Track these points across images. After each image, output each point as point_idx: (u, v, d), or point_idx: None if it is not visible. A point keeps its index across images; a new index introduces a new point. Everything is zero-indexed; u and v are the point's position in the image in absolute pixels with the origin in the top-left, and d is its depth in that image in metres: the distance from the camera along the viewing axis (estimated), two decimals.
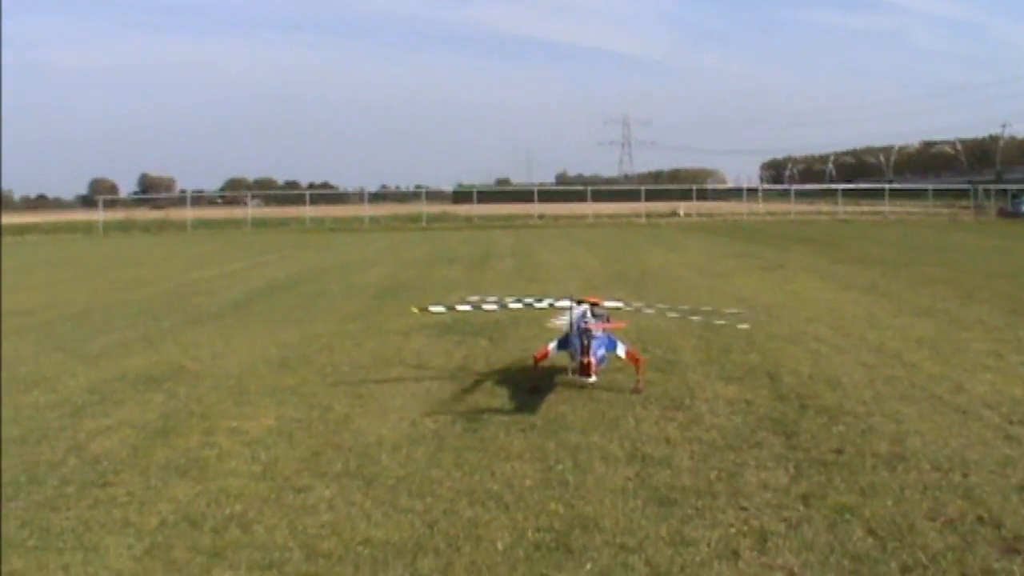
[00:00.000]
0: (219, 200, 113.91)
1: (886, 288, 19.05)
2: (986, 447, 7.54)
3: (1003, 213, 67.47)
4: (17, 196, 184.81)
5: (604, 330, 9.99)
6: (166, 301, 19.34)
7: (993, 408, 8.75)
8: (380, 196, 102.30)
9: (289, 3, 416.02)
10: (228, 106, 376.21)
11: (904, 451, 7.45)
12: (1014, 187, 75.57)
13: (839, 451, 7.51)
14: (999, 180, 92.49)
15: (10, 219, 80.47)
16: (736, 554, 5.51)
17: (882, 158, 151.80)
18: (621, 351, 9.96)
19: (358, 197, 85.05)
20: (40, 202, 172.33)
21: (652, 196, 78.72)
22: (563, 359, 10.09)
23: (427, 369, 11.17)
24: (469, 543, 5.75)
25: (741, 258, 28.91)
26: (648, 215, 69.22)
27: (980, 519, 5.95)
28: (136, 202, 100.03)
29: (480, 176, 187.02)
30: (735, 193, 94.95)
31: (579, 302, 10.40)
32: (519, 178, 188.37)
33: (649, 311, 11.86)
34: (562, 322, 10.83)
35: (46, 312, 17.64)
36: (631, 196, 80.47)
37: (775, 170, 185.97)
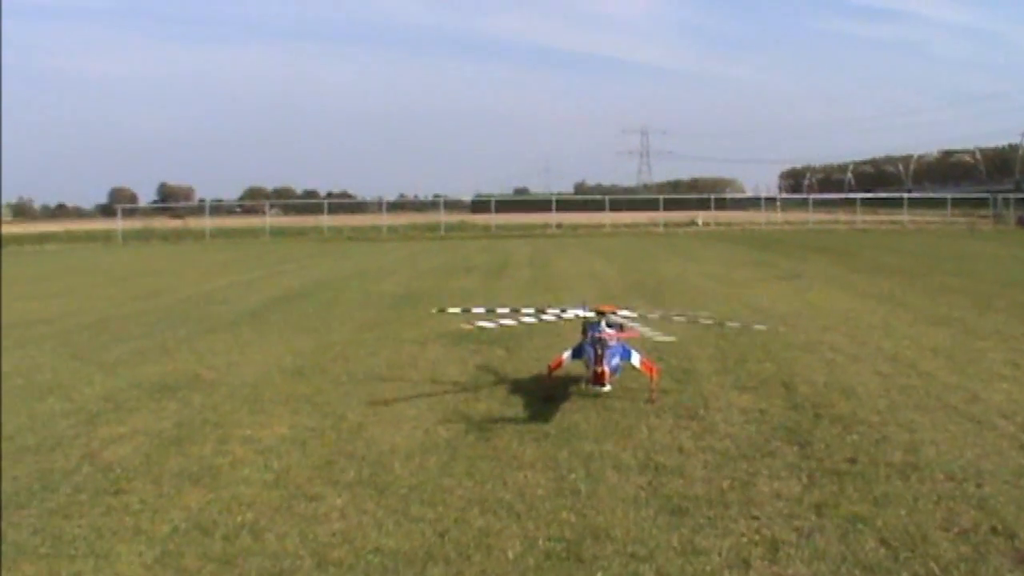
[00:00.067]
0: (238, 209, 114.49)
1: (903, 297, 18.95)
2: (1001, 457, 7.49)
3: (1022, 222, 67.02)
4: (38, 205, 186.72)
5: (619, 339, 9.97)
6: (183, 310, 19.41)
7: (1008, 418, 8.69)
8: (398, 205, 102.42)
9: (313, 14, 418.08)
10: (249, 116, 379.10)
11: (918, 461, 7.41)
12: None
13: (853, 460, 7.47)
14: (1018, 189, 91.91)
15: (30, 228, 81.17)
16: (747, 564, 5.49)
17: (901, 167, 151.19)
18: (636, 360, 9.94)
19: (376, 206, 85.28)
20: (60, 211, 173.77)
21: (670, 205, 78.87)
22: (578, 368, 10.09)
23: (442, 378, 11.17)
24: (480, 552, 5.75)
25: (758, 267, 28.84)
26: (666, 224, 69.21)
27: (994, 530, 5.91)
28: (155, 211, 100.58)
29: (498, 186, 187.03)
30: (753, 202, 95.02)
31: (595, 311, 10.37)
32: (537, 188, 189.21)
33: (654, 316, 11.87)
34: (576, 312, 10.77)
35: (64, 321, 17.73)
36: (649, 205, 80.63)
37: (794, 179, 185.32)
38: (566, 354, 10.12)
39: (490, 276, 27.50)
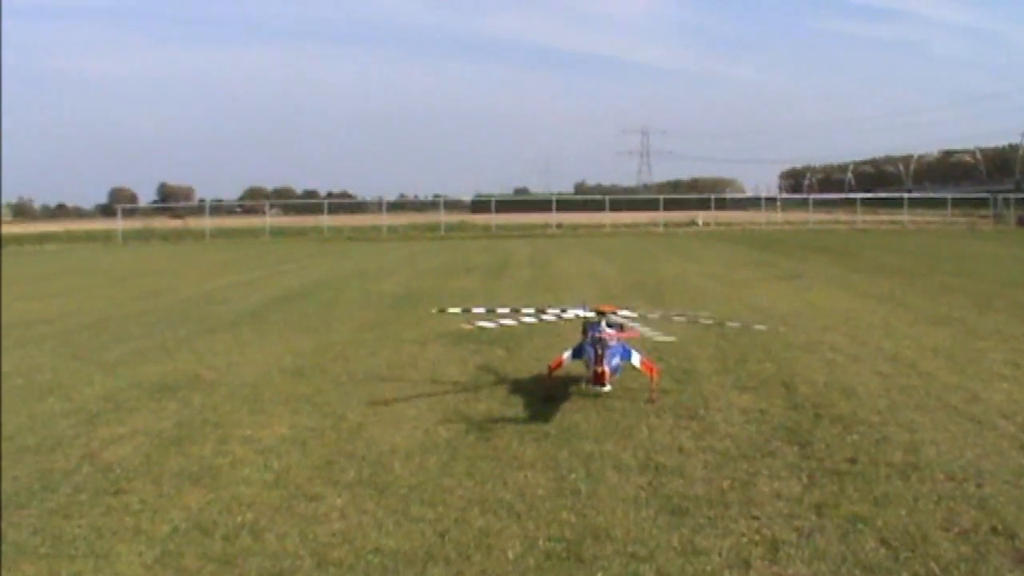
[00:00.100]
0: (238, 209, 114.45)
1: (903, 297, 18.94)
2: (1001, 457, 7.49)
3: (1022, 222, 67.02)
4: (38, 205, 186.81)
5: (619, 339, 9.96)
6: (183, 310, 19.41)
7: (1009, 418, 8.69)
8: (399, 205, 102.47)
9: (313, 14, 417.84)
10: (249, 116, 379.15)
11: (918, 461, 7.40)
12: None
13: (853, 460, 7.47)
14: (1018, 189, 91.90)
15: (30, 228, 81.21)
16: (747, 563, 5.49)
17: (901, 167, 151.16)
18: (636, 360, 9.93)
19: (376, 206, 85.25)
20: (60, 211, 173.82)
21: (670, 205, 78.89)
22: (578, 368, 10.09)
23: (442, 378, 11.17)
24: (480, 552, 5.75)
25: (758, 267, 28.84)
26: (666, 224, 69.21)
27: (994, 529, 5.91)
28: (155, 211, 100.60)
29: (499, 186, 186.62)
30: (753, 202, 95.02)
31: (595, 311, 10.36)
32: (538, 188, 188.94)
33: (654, 317, 11.87)
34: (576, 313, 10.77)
35: (64, 321, 17.73)
36: (649, 205, 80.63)
37: (794, 179, 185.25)
38: (566, 354, 10.12)
39: (490, 276, 27.49)
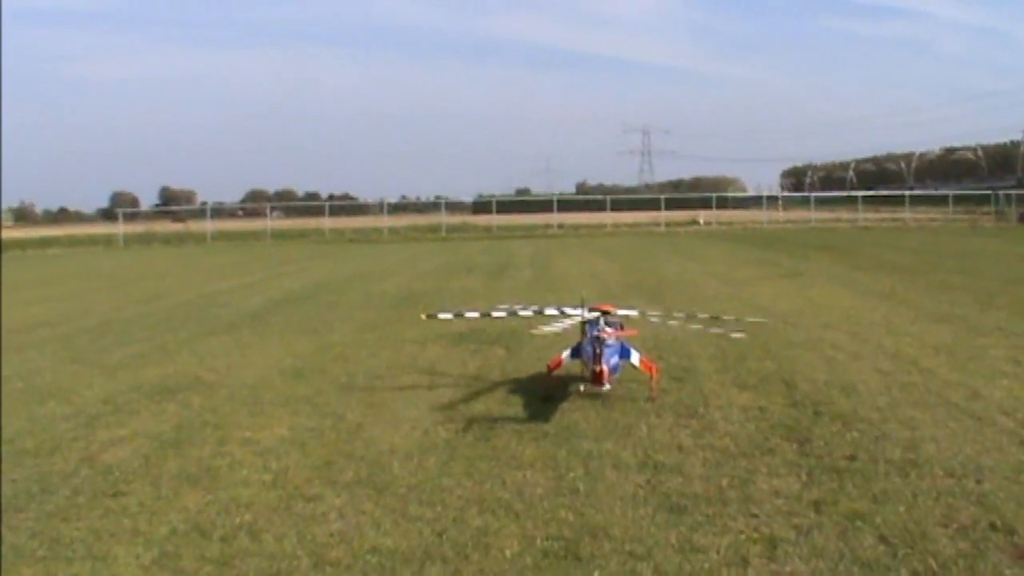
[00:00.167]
0: (239, 212, 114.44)
1: (904, 295, 18.93)
2: (1001, 453, 7.47)
3: None
4: (39, 209, 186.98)
5: (618, 338, 9.93)
6: (184, 312, 19.42)
7: (1009, 414, 8.67)
8: (400, 207, 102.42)
9: (314, 16, 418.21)
10: (250, 119, 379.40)
11: (918, 457, 7.39)
12: None
13: (852, 457, 7.46)
14: (1020, 186, 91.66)
15: (32, 232, 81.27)
16: (745, 561, 5.48)
17: (903, 165, 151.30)
18: (635, 359, 9.91)
19: (378, 208, 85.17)
20: (61, 215, 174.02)
21: (672, 205, 78.87)
22: (578, 367, 10.09)
23: (441, 378, 11.17)
24: (477, 551, 5.74)
25: (760, 266, 28.81)
26: (667, 224, 69.18)
27: (993, 526, 5.90)
28: (156, 214, 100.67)
29: (500, 186, 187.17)
30: (755, 201, 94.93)
31: (592, 310, 10.34)
32: (539, 188, 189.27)
33: (654, 318, 11.85)
34: (560, 327, 10.73)
35: (65, 324, 17.75)
36: (651, 205, 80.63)
37: (796, 178, 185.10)
38: (565, 354, 10.11)
39: (492, 277, 27.46)
